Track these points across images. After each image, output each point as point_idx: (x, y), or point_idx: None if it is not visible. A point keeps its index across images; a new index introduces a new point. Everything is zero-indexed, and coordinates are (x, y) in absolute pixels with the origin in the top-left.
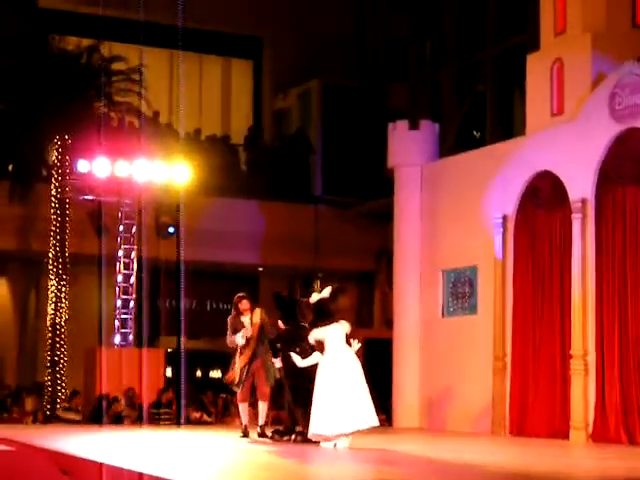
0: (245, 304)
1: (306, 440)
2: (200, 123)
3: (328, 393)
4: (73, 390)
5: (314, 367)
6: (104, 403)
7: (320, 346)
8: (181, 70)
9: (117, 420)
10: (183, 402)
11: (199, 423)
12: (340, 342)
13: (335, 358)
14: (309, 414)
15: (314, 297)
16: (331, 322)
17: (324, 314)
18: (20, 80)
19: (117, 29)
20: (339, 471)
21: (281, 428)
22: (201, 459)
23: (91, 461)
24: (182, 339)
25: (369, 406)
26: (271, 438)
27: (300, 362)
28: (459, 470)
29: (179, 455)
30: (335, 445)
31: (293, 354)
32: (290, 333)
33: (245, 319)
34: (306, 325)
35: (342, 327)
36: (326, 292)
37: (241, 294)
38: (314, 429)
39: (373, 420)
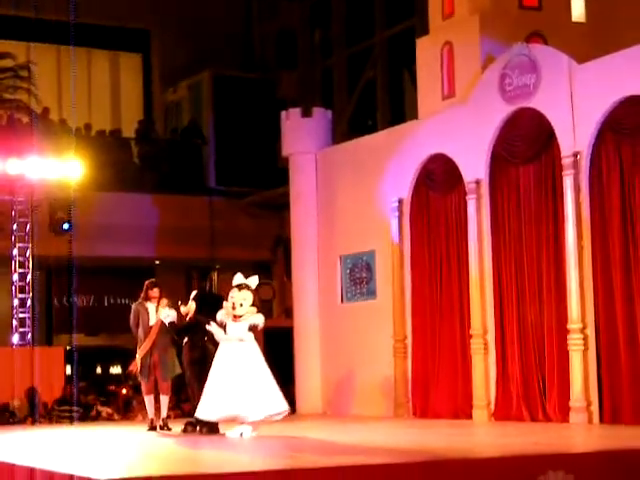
0: (156, 292)
1: (213, 431)
2: (90, 118)
3: (222, 380)
4: None
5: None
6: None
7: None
8: (71, 66)
9: (10, 420)
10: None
11: (109, 419)
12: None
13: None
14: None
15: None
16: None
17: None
18: None
19: (3, 26)
20: (247, 459)
21: (193, 420)
22: (109, 453)
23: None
24: (74, 336)
25: (277, 393)
26: (183, 431)
27: (215, 329)
28: (364, 451)
29: (86, 451)
30: (241, 434)
31: (213, 325)
32: (198, 324)
33: (151, 306)
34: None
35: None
36: (252, 282)
37: (153, 280)
38: (201, 414)
39: (283, 406)
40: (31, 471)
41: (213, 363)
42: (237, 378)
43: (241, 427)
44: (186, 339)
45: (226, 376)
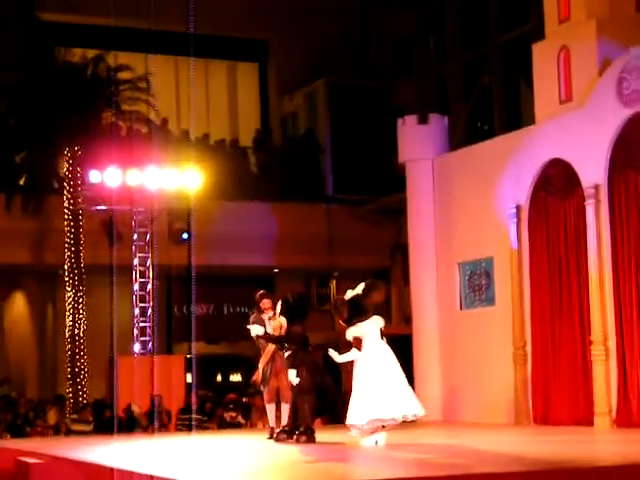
0: (267, 302)
1: (310, 440)
2: (208, 128)
3: (367, 385)
4: (83, 402)
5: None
6: (122, 412)
7: (358, 343)
8: (190, 76)
9: (132, 427)
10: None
11: (233, 425)
12: (376, 337)
13: (373, 353)
14: (313, 413)
15: (348, 294)
16: (366, 318)
17: (359, 310)
18: (28, 94)
19: (121, 38)
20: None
21: (287, 428)
22: (228, 462)
23: (120, 470)
24: (193, 344)
25: (412, 396)
26: (276, 439)
27: (338, 358)
28: (498, 459)
29: (205, 459)
30: (377, 442)
31: (331, 350)
32: (297, 334)
33: (266, 317)
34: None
35: (377, 322)
36: (359, 288)
37: (262, 292)
38: (351, 419)
39: (419, 409)
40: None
41: (356, 371)
42: (382, 383)
43: (376, 435)
44: (289, 352)
45: (373, 382)
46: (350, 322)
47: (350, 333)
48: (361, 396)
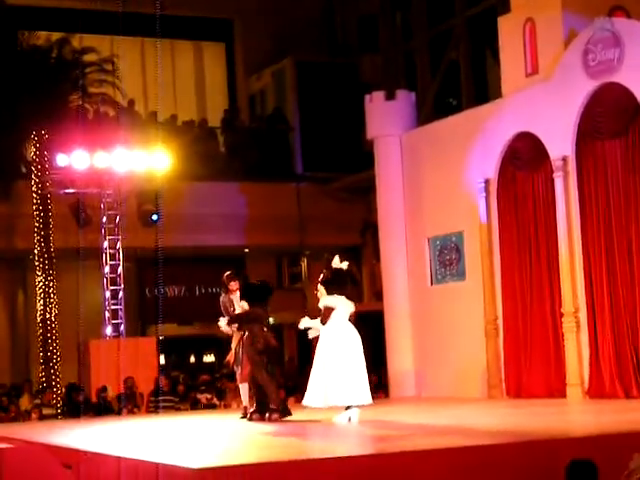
0: (234, 284)
1: (282, 418)
2: (176, 109)
3: (325, 368)
4: (41, 386)
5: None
6: (95, 395)
7: (326, 315)
8: (158, 57)
9: (106, 411)
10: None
11: (208, 406)
12: (345, 316)
13: (339, 330)
14: (278, 392)
15: (336, 262)
16: (343, 294)
17: (339, 283)
18: None
19: (86, 21)
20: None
21: (252, 408)
22: (204, 443)
23: (94, 453)
24: (161, 326)
25: (365, 384)
26: (249, 419)
27: (302, 323)
28: (461, 433)
29: (181, 441)
30: (350, 419)
31: (306, 318)
32: (254, 313)
33: (235, 297)
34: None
35: (350, 305)
36: (345, 265)
37: (228, 273)
38: (308, 400)
39: (367, 398)
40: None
41: (317, 349)
42: (342, 365)
43: (349, 412)
44: (247, 332)
45: (333, 362)
46: (328, 292)
47: (325, 301)
48: (318, 379)
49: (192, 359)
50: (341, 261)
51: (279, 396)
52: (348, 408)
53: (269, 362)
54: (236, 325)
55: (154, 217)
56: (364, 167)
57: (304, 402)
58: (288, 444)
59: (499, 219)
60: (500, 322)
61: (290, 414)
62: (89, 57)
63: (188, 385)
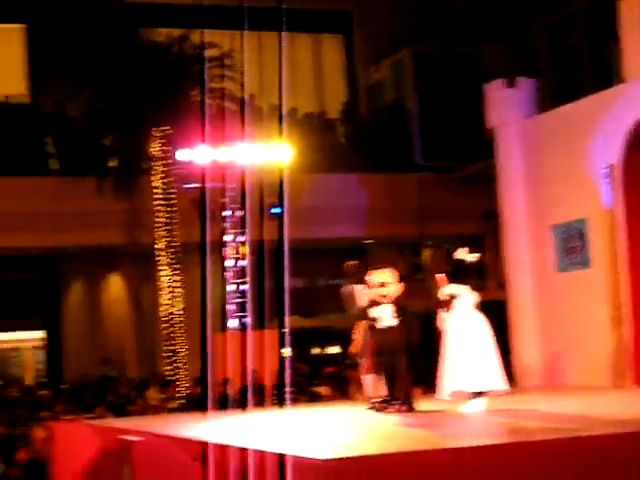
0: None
1: (410, 408)
2: (295, 102)
3: (453, 356)
4: (165, 380)
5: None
6: (218, 389)
7: (448, 303)
8: (279, 51)
9: (231, 404)
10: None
11: (330, 398)
12: (471, 304)
13: (466, 317)
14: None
15: (460, 253)
16: (466, 284)
17: (463, 275)
18: (115, 77)
19: (206, 16)
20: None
21: (378, 399)
22: (331, 434)
23: (222, 445)
24: (287, 318)
25: (499, 370)
26: (378, 410)
27: (448, 289)
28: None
29: (307, 432)
30: (477, 408)
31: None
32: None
33: (358, 287)
34: None
35: (474, 294)
36: (471, 257)
37: (351, 263)
38: (451, 387)
39: (503, 384)
40: (260, 453)
41: (445, 339)
42: (475, 351)
43: (476, 401)
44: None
45: (460, 350)
46: (451, 280)
47: (447, 289)
48: (447, 368)
49: (315, 351)
50: (469, 252)
51: (410, 388)
52: (476, 396)
53: (411, 355)
54: (361, 315)
55: (277, 210)
56: (484, 156)
57: (438, 395)
58: (418, 435)
59: (624, 205)
60: (627, 309)
61: (416, 406)
62: (211, 52)
63: (311, 377)
